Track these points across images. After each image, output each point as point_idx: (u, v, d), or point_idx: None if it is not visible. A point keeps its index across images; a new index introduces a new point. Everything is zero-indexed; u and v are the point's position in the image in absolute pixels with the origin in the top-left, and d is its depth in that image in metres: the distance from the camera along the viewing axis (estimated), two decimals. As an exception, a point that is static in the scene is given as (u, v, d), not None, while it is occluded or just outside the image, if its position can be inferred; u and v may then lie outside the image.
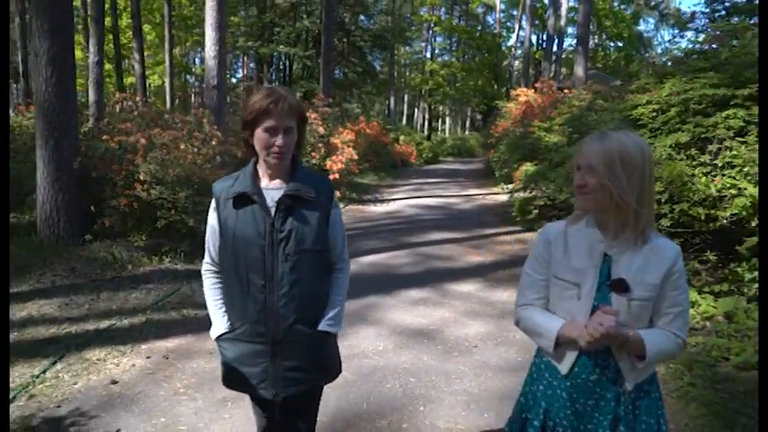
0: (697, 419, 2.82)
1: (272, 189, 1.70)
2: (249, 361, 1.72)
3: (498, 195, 12.86)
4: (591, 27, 35.66)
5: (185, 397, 3.05)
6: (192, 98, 41.81)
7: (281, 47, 17.80)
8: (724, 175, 3.88)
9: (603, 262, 1.48)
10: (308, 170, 1.81)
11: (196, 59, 43.20)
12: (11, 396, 2.98)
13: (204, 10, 9.87)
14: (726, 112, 4.14)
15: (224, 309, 1.77)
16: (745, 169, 3.75)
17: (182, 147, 6.00)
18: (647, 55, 39.41)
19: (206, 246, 1.82)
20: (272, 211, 1.66)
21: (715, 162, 4.03)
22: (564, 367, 1.54)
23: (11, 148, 7.86)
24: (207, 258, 1.83)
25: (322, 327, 1.75)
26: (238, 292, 1.70)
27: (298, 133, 1.69)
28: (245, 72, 32.95)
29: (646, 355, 1.44)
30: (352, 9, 19.66)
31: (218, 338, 1.77)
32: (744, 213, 3.64)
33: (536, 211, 8.27)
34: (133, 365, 3.46)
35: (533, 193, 8.92)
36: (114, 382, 3.21)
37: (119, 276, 5.25)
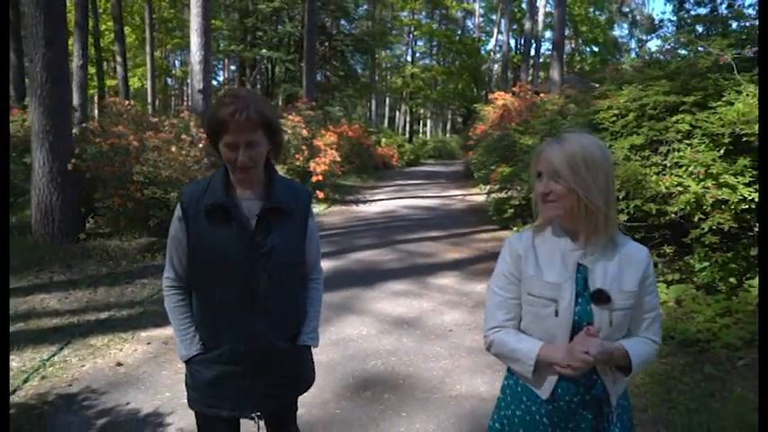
0: (641, 387, 3.22)
1: (248, 199, 1.57)
2: (225, 382, 1.61)
3: (477, 196, 13.30)
4: (567, 32, 36.57)
5: (187, 376, 3.35)
6: (173, 101, 41.66)
7: (264, 51, 18.04)
8: (672, 174, 4.31)
9: (578, 272, 1.38)
10: (285, 178, 1.69)
11: (176, 62, 43.03)
12: (24, 378, 3.25)
13: (185, 12, 10.12)
14: (675, 117, 4.59)
15: (193, 328, 1.62)
16: (690, 168, 4.19)
17: (173, 149, 6.27)
18: (621, 59, 40.52)
19: (167, 258, 1.65)
20: (252, 224, 1.54)
21: (665, 162, 4.46)
22: (544, 392, 1.42)
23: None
24: (169, 273, 1.65)
25: (302, 341, 1.70)
26: (212, 311, 1.59)
27: (270, 142, 1.54)
28: (227, 75, 33.02)
29: (632, 369, 1.36)
30: (333, 14, 19.99)
31: (189, 361, 1.64)
32: (688, 208, 4.08)
33: (511, 210, 8.69)
34: (135, 350, 3.75)
35: (509, 194, 9.37)
36: (119, 365, 3.50)
37: (114, 272, 5.49)
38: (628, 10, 43.38)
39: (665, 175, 4.34)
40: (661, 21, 13.56)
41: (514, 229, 8.44)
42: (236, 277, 1.54)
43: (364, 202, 12.25)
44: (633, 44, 43.30)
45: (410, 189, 15.09)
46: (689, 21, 12.34)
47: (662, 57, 5.58)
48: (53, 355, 3.58)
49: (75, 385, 3.21)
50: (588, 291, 1.37)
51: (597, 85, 10.08)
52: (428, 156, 33.78)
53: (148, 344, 3.86)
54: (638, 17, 43.53)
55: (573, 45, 41.75)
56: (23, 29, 6.05)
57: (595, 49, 41.95)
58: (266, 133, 1.51)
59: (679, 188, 4.18)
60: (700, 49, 5.04)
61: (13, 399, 3.01)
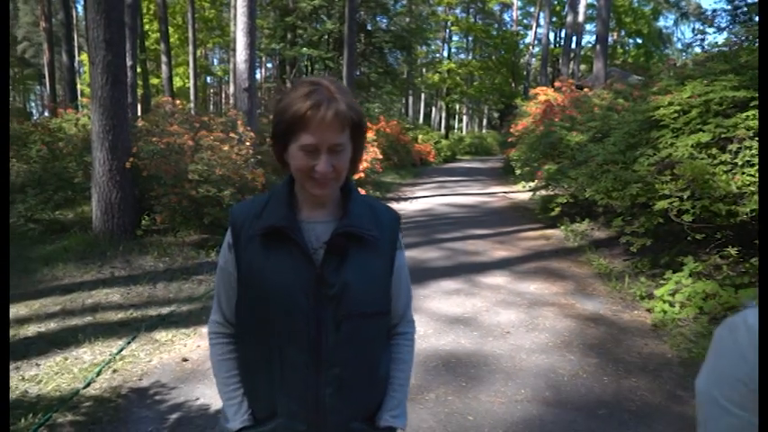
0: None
1: (316, 222, 1.20)
2: None
3: (519, 193, 13.09)
4: (610, 24, 35.58)
5: (250, 373, 3.40)
6: (211, 98, 42.62)
7: (304, 48, 18.21)
8: (744, 173, 4.12)
9: None
10: (366, 197, 1.29)
11: (214, 60, 43.95)
12: (96, 372, 3.36)
13: (227, 12, 10.29)
14: (745, 114, 4.38)
15: (242, 391, 1.25)
16: (758, 170, 4.00)
17: (225, 148, 6.39)
18: (666, 51, 39.15)
19: (215, 297, 1.29)
20: (319, 255, 1.16)
21: (735, 161, 4.27)
22: None
23: (59, 148, 8.36)
24: (216, 315, 1.29)
25: (384, 421, 1.26)
26: (267, 372, 1.19)
27: (352, 149, 1.16)
28: (264, 73, 33.52)
29: None
30: (372, 11, 20.01)
31: None
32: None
33: (558, 208, 8.51)
34: (198, 346, 3.83)
35: (555, 191, 9.18)
36: (185, 360, 3.58)
37: (170, 268, 5.64)
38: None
39: (735, 174, 4.15)
40: (714, 11, 12.95)
41: (561, 227, 8.27)
42: (300, 328, 1.14)
43: (405, 199, 12.23)
44: (679, 35, 41.78)
45: (450, 186, 14.99)
46: (746, 9, 11.78)
47: (728, 49, 5.34)
48: (122, 350, 3.70)
49: (146, 379, 3.30)
50: None
51: (639, 79, 9.70)
52: (464, 152, 33.55)
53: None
54: (685, 6, 41.93)
55: (615, 37, 40.60)
56: (86, 31, 6.26)
57: (639, 41, 40.65)
58: (353, 136, 1.15)
59: (751, 188, 3.99)
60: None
61: (89, 391, 3.13)
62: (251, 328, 1.20)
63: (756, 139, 4.26)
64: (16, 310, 4.38)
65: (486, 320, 4.41)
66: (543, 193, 9.45)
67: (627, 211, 5.66)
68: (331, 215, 1.21)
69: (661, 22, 43.94)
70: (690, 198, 4.33)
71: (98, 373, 3.34)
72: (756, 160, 4.08)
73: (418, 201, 11.94)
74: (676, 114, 5.08)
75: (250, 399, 1.24)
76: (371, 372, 1.24)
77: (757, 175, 4.04)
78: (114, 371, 3.41)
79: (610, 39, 39.82)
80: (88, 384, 3.20)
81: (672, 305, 4.52)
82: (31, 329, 4.02)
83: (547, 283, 5.47)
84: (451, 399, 3.10)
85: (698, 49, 6.85)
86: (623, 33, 41.07)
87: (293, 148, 1.12)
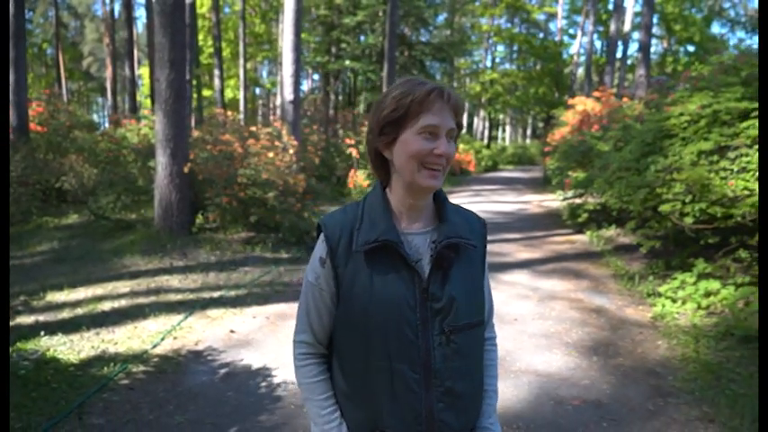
0: (692, 373, 3.46)
1: (414, 234, 1.18)
2: None
3: (554, 202, 13.33)
4: (658, 32, 34.86)
5: (287, 343, 4.01)
6: (260, 110, 44.37)
7: (347, 62, 19.03)
8: (739, 178, 4.43)
9: None
10: (455, 204, 1.27)
11: (263, 73, 45.72)
12: (161, 338, 4.05)
13: (275, 27, 11.09)
14: (746, 123, 4.68)
15: (339, 413, 1.20)
16: (757, 174, 4.30)
17: (270, 155, 7.11)
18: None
19: (301, 317, 1.24)
20: (424, 268, 1.14)
21: (732, 167, 4.58)
22: None
23: (123, 155, 9.35)
24: (305, 335, 1.23)
25: (485, 429, 1.25)
26: (372, 390, 1.15)
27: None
28: (311, 84, 34.76)
29: None
30: (414, 25, 20.67)
31: None
32: (752, 210, 4.20)
33: (585, 214, 8.80)
34: (244, 322, 4.48)
35: (584, 199, 9.47)
36: (233, 332, 4.23)
37: (221, 261, 6.37)
38: (729, 5, 40.56)
39: (731, 179, 4.47)
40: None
41: (588, 233, 8.56)
42: (410, 343, 1.12)
43: (440, 205, 12.68)
44: (735, 40, 40.43)
45: (486, 194, 15.35)
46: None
47: (733, 62, 5.60)
48: (180, 322, 4.39)
49: (201, 345, 3.97)
50: None
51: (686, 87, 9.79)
52: (507, 162, 33.64)
53: (254, 317, 4.59)
54: (741, 12, 40.58)
55: (665, 45, 39.74)
56: (151, 52, 7.13)
57: (690, 48, 39.63)
58: (458, 132, 1.16)
59: (745, 192, 4.31)
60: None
61: (156, 351, 3.81)
62: (353, 346, 1.16)
63: (754, 147, 4.56)
64: (93, 291, 5.18)
65: (499, 310, 4.85)
66: (574, 201, 9.74)
67: (640, 216, 5.98)
68: (426, 226, 1.19)
69: (716, 29, 42.50)
70: (691, 202, 4.66)
71: (162, 339, 4.03)
72: (751, 167, 4.39)
73: (452, 207, 12.37)
74: (686, 124, 5.40)
75: (351, 418, 1.20)
76: (477, 382, 1.24)
77: (752, 180, 4.36)
78: (175, 338, 4.09)
79: (660, 47, 39.02)
80: (155, 346, 3.89)
81: (674, 301, 4.85)
82: (107, 306, 4.78)
83: (562, 281, 5.86)
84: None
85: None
86: (673, 41, 40.15)
87: (408, 135, 1.10)
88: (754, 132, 4.57)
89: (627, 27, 24.99)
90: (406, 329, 1.11)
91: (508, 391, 3.27)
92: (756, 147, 4.54)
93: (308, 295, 1.21)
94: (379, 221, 1.14)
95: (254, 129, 8.34)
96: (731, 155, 4.67)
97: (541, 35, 42.94)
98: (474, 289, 1.20)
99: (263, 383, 3.33)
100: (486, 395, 1.28)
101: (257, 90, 42.26)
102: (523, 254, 7.32)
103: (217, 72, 20.78)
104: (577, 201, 9.70)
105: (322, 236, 1.18)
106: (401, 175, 1.15)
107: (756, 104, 4.71)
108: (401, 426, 1.14)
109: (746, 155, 4.52)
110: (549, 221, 10.30)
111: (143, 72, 31.54)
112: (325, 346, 1.23)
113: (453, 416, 1.16)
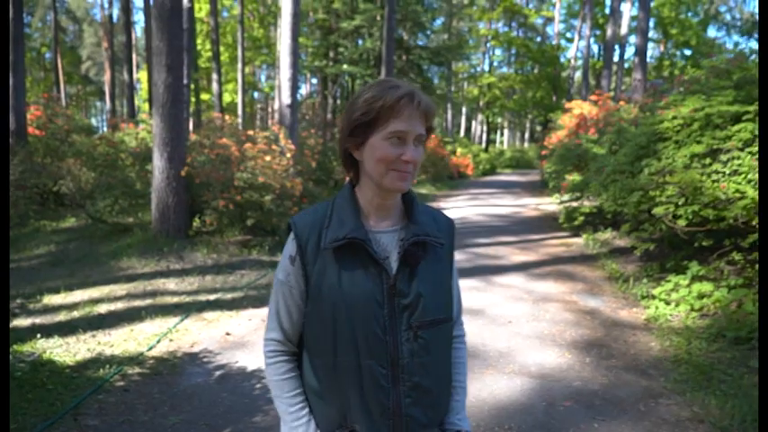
0: (683, 374, 3.49)
1: (382, 232, 1.20)
2: None
3: (550, 205, 13.38)
4: (655, 35, 34.98)
5: (281, 345, 4.03)
6: (258, 114, 44.43)
7: (345, 66, 19.10)
8: (731, 181, 4.48)
9: None
10: (423, 204, 1.30)
11: (261, 77, 45.79)
12: (157, 340, 4.07)
13: (273, 31, 11.14)
14: (738, 126, 4.73)
15: (308, 410, 1.22)
16: (749, 176, 4.35)
17: (267, 158, 7.14)
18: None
19: (271, 315, 1.25)
20: (391, 265, 1.17)
21: (724, 170, 4.62)
22: None
23: (121, 159, 9.38)
24: (275, 333, 1.24)
25: (452, 425, 1.27)
26: (343, 387, 1.17)
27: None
28: (309, 88, 34.86)
29: None
30: (411, 29, 20.76)
31: None
32: (744, 213, 4.24)
33: (581, 218, 8.84)
34: (239, 324, 4.50)
35: (580, 202, 9.51)
36: (228, 334, 4.26)
37: (217, 264, 6.39)
38: (725, 9, 40.78)
39: (723, 182, 4.51)
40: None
41: (584, 236, 8.59)
42: (378, 339, 1.14)
43: (438, 209, 12.73)
44: (731, 44, 40.62)
45: (483, 197, 15.40)
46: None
47: (725, 66, 5.66)
48: (177, 324, 4.41)
49: (196, 347, 3.99)
50: None
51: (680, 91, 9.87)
52: (505, 165, 33.70)
53: (249, 320, 4.61)
54: (737, 16, 40.80)
55: (662, 49, 39.92)
56: (149, 56, 7.17)
57: (687, 52, 39.81)
58: (426, 137, 1.19)
59: (737, 194, 4.35)
60: None
61: (152, 353, 3.83)
62: (322, 342, 1.17)
63: (746, 150, 4.61)
64: (90, 294, 5.20)
65: (493, 312, 4.89)
66: (570, 204, 9.78)
67: (634, 218, 6.02)
68: (394, 224, 1.22)
69: (712, 33, 42.72)
70: (684, 204, 4.70)
71: (158, 341, 4.05)
72: (743, 170, 4.44)
73: (450, 211, 12.42)
74: (679, 128, 5.45)
75: (319, 414, 1.21)
76: (444, 378, 1.25)
77: (743, 182, 4.40)
78: (171, 340, 4.11)
79: (657, 51, 39.15)
80: (150, 348, 3.91)
81: (668, 303, 4.88)
82: (103, 308, 4.80)
83: (557, 284, 5.89)
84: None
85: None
86: (670, 45, 40.33)
87: (376, 139, 1.12)
88: (746, 135, 4.62)
89: (623, 31, 25.11)
90: (374, 325, 1.13)
91: (501, 393, 3.30)
92: (748, 150, 4.59)
93: (278, 294, 1.23)
94: (347, 220, 1.17)
95: (251, 132, 8.37)
96: (723, 158, 4.72)
97: (539, 39, 43.10)
98: (441, 286, 1.23)
99: (258, 385, 3.36)
100: (454, 392, 1.30)
101: (255, 94, 42.31)
102: (519, 257, 7.35)
103: (215, 76, 20.83)
104: (574, 204, 9.74)
105: (292, 234, 1.21)
106: (370, 177, 1.17)
107: (748, 108, 4.76)
108: (369, 421, 1.16)
109: (738, 158, 4.57)
110: (546, 225, 10.35)
111: (141, 76, 31.60)
112: (296, 344, 1.25)
113: (421, 411, 1.18)
